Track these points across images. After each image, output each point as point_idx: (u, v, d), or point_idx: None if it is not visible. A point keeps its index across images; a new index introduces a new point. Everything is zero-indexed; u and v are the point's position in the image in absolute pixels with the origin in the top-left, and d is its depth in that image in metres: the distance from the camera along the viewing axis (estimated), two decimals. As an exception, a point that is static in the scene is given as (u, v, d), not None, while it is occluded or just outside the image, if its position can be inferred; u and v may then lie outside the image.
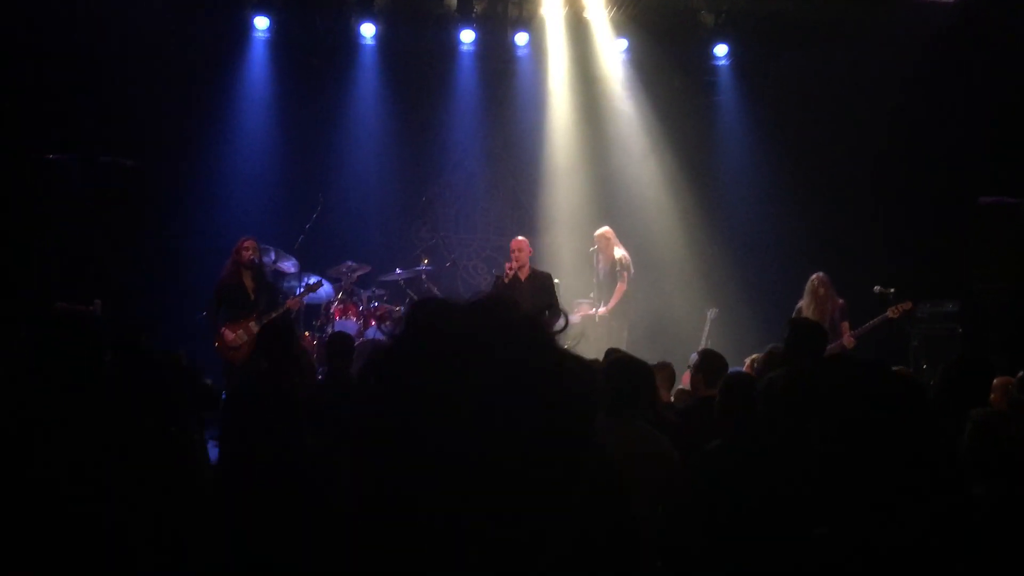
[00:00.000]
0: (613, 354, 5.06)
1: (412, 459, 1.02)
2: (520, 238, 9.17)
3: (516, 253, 8.90)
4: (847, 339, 8.39)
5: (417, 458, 1.02)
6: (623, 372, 4.15)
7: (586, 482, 1.09)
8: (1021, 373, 5.53)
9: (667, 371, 6.00)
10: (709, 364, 5.59)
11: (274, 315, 8.36)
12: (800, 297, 8.64)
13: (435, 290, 10.29)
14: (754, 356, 7.25)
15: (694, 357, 8.29)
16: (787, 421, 2.27)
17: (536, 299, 8.63)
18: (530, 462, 1.03)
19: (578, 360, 1.12)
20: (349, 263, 9.87)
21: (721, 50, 11.67)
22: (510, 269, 8.86)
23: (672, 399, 6.26)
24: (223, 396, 5.95)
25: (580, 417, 1.10)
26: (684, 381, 7.97)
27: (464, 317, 1.10)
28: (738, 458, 2.84)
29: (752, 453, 2.70)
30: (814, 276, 8.57)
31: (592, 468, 1.11)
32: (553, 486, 1.04)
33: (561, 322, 1.15)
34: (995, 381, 4.77)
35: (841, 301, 8.54)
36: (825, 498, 1.73)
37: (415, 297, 10.03)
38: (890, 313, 8.35)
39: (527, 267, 9.00)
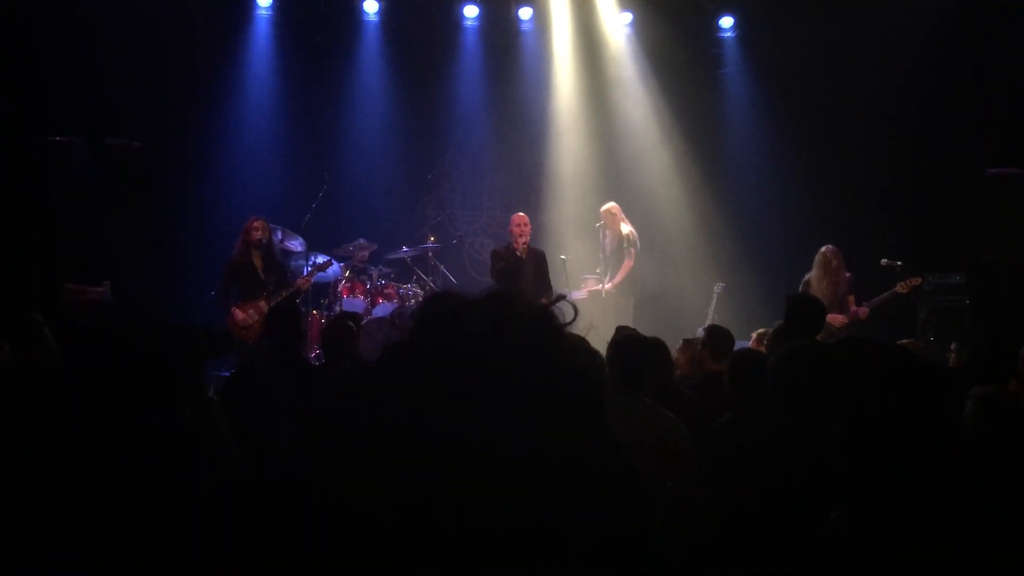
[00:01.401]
0: (623, 331, 5.09)
1: (426, 453, 1.04)
2: (522, 214, 9.17)
3: (524, 228, 8.90)
4: (862, 311, 8.37)
5: (430, 452, 1.04)
6: (631, 350, 4.18)
7: (599, 472, 1.11)
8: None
9: (692, 347, 6.03)
10: (716, 339, 5.62)
11: (284, 294, 8.41)
12: (807, 270, 8.63)
13: (442, 268, 10.31)
14: (760, 331, 7.27)
15: (702, 332, 8.33)
16: (798, 399, 2.29)
17: (536, 275, 8.70)
18: (543, 453, 1.05)
19: (587, 351, 1.14)
20: (356, 241, 9.90)
21: (727, 22, 11.60)
22: (523, 244, 8.86)
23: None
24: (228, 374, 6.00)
25: (591, 408, 1.12)
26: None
27: (476, 312, 1.12)
28: (748, 434, 2.88)
29: (763, 430, 2.73)
30: (825, 248, 8.52)
31: (604, 458, 1.13)
32: (566, 477, 1.06)
33: (571, 312, 1.17)
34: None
35: (848, 274, 8.53)
36: (840, 479, 1.75)
37: (423, 277, 10.07)
38: (899, 288, 8.35)
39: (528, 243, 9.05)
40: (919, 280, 8.38)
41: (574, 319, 1.14)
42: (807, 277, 8.54)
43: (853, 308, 8.41)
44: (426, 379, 1.07)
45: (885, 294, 8.41)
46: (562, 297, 1.18)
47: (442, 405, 1.04)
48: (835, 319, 8.11)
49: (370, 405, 1.11)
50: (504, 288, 1.15)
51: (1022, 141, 9.20)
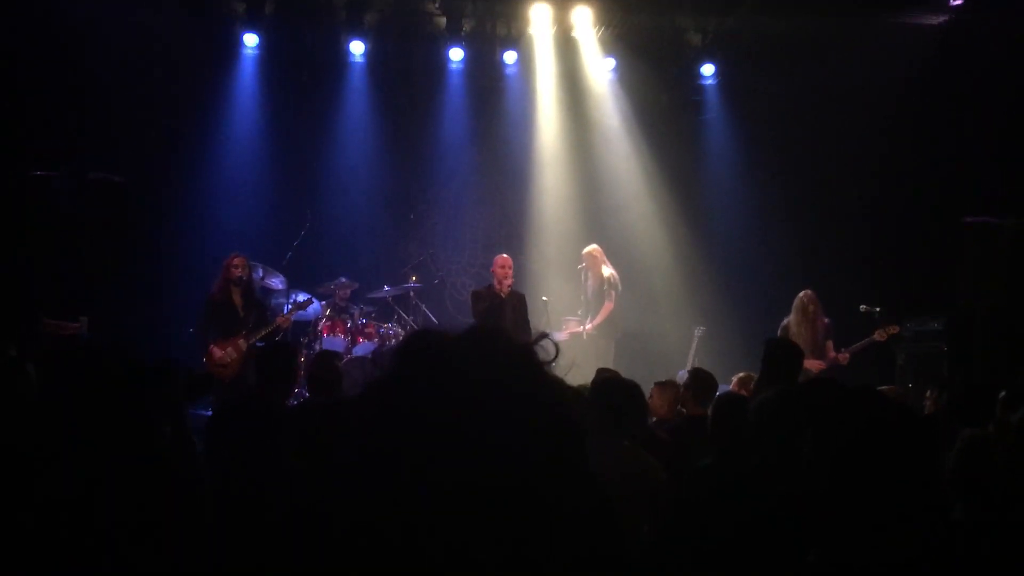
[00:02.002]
0: (603, 373, 5.09)
1: (408, 487, 1.04)
2: (506, 256, 9.21)
3: (507, 270, 8.95)
4: (842, 357, 8.43)
5: (413, 486, 1.03)
6: (610, 391, 4.18)
7: (577, 508, 1.10)
8: (1003, 393, 5.57)
9: (673, 389, 6.01)
10: (699, 383, 5.62)
11: (263, 332, 8.36)
12: (787, 315, 8.67)
13: (423, 308, 10.30)
14: (741, 374, 7.28)
15: (683, 375, 8.33)
16: (779, 443, 2.29)
17: (516, 317, 8.72)
18: (523, 489, 1.04)
19: (569, 389, 1.14)
20: (338, 280, 9.88)
21: (708, 70, 11.76)
22: (508, 286, 8.90)
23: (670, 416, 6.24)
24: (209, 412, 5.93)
25: (572, 443, 1.12)
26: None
27: (458, 348, 1.12)
28: (730, 477, 2.87)
29: (744, 473, 2.72)
30: (803, 293, 8.59)
31: (583, 494, 1.13)
32: (546, 512, 1.06)
33: (552, 350, 1.17)
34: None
35: (827, 320, 8.59)
36: (817, 522, 1.75)
37: (405, 316, 10.05)
38: (877, 336, 8.43)
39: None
40: (897, 329, 8.47)
41: (556, 357, 1.14)
42: (785, 322, 8.59)
43: (832, 354, 8.46)
44: (409, 412, 1.06)
45: (863, 341, 8.48)
46: (545, 336, 1.19)
47: (424, 438, 1.04)
48: (813, 364, 8.14)
49: (351, 439, 1.10)
50: (487, 325, 1.15)
51: (998, 190, 9.34)
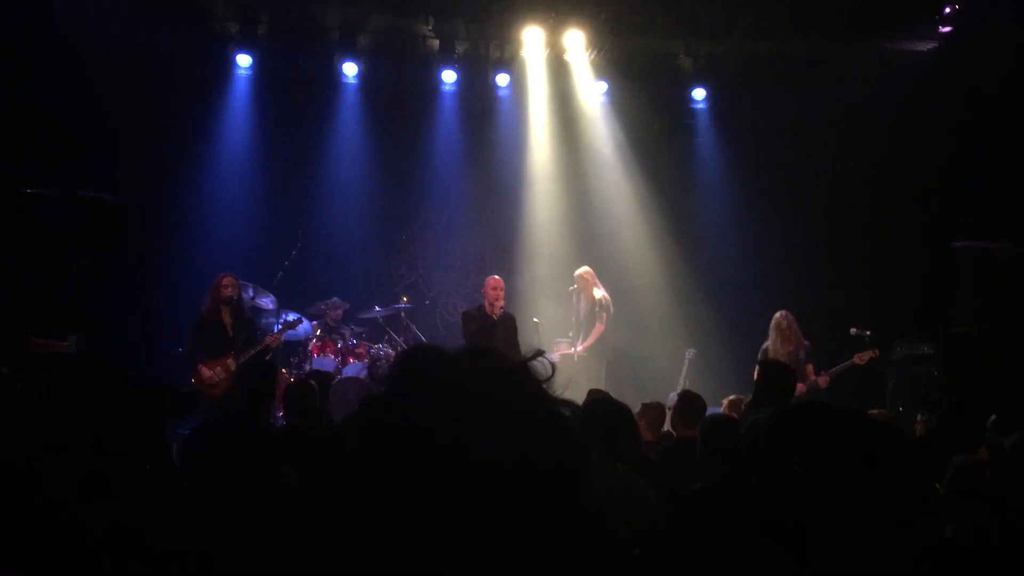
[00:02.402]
0: (595, 394, 5.07)
1: (403, 506, 1.02)
2: (498, 277, 9.21)
3: (499, 292, 8.95)
4: (821, 380, 8.46)
5: (409, 505, 1.02)
6: (601, 413, 4.16)
7: (578, 529, 1.09)
8: (994, 416, 5.59)
9: (657, 411, 5.99)
10: (687, 405, 5.61)
11: (252, 352, 8.32)
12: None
13: (414, 328, 10.29)
14: (732, 397, 7.29)
15: (673, 397, 8.32)
16: (771, 465, 2.29)
17: (507, 337, 8.71)
18: (523, 510, 1.03)
19: (568, 407, 1.13)
20: (328, 300, 9.86)
21: (699, 94, 11.85)
22: (500, 308, 8.91)
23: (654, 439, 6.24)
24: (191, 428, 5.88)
25: (572, 464, 1.11)
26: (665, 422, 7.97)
27: (455, 365, 1.11)
28: (722, 500, 2.86)
29: (736, 496, 2.71)
30: (779, 313, 8.67)
31: (584, 515, 1.12)
32: (545, 533, 1.05)
33: (549, 368, 1.17)
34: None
35: (807, 343, 8.62)
36: (811, 544, 1.74)
37: (395, 337, 10.02)
38: (856, 360, 8.47)
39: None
40: (876, 353, 8.50)
41: (552, 375, 1.13)
42: (765, 345, 8.62)
43: (812, 377, 8.48)
44: (406, 427, 1.05)
45: (843, 364, 8.50)
46: (541, 353, 1.18)
47: (422, 453, 1.03)
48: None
49: (348, 456, 1.09)
50: (482, 342, 1.15)
51: (987, 215, 9.40)
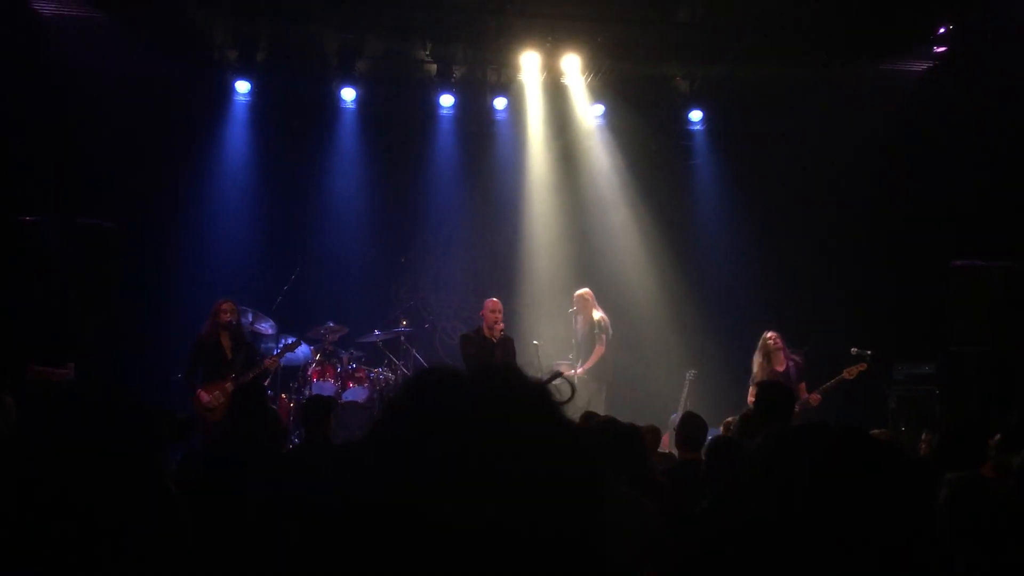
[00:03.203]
0: (593, 418, 5.05)
1: (417, 533, 1.01)
2: (496, 299, 9.21)
3: (498, 314, 8.95)
4: (813, 398, 8.47)
5: (423, 532, 1.01)
6: (605, 436, 4.14)
7: (597, 554, 1.08)
8: (998, 435, 5.56)
9: (652, 435, 5.98)
10: (690, 427, 5.59)
11: (251, 375, 8.30)
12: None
13: (414, 352, 10.26)
14: (730, 419, 7.28)
15: (675, 419, 8.30)
16: (770, 487, 2.28)
17: (506, 360, 8.70)
18: (541, 535, 1.02)
19: (586, 430, 1.12)
20: (327, 324, 9.84)
21: (696, 115, 11.90)
22: (500, 330, 8.91)
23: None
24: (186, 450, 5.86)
25: (591, 488, 1.10)
26: (664, 444, 7.95)
27: (471, 388, 1.10)
28: (726, 522, 2.84)
29: (740, 518, 2.69)
30: (767, 334, 8.71)
31: (602, 539, 1.11)
32: (563, 558, 1.04)
33: (567, 391, 1.16)
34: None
35: (797, 359, 8.64)
36: (814, 566, 1.72)
37: (395, 361, 9.99)
38: (846, 374, 8.47)
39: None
40: (864, 366, 8.51)
41: (571, 397, 1.12)
42: (754, 365, 8.69)
43: (804, 395, 8.47)
44: (417, 456, 1.04)
45: (833, 381, 8.50)
46: (559, 375, 1.17)
47: (432, 482, 1.02)
48: None
49: (359, 479, 1.07)
50: (502, 363, 1.13)
51: (986, 234, 9.41)
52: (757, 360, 8.74)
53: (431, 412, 1.07)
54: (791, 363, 8.60)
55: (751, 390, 8.75)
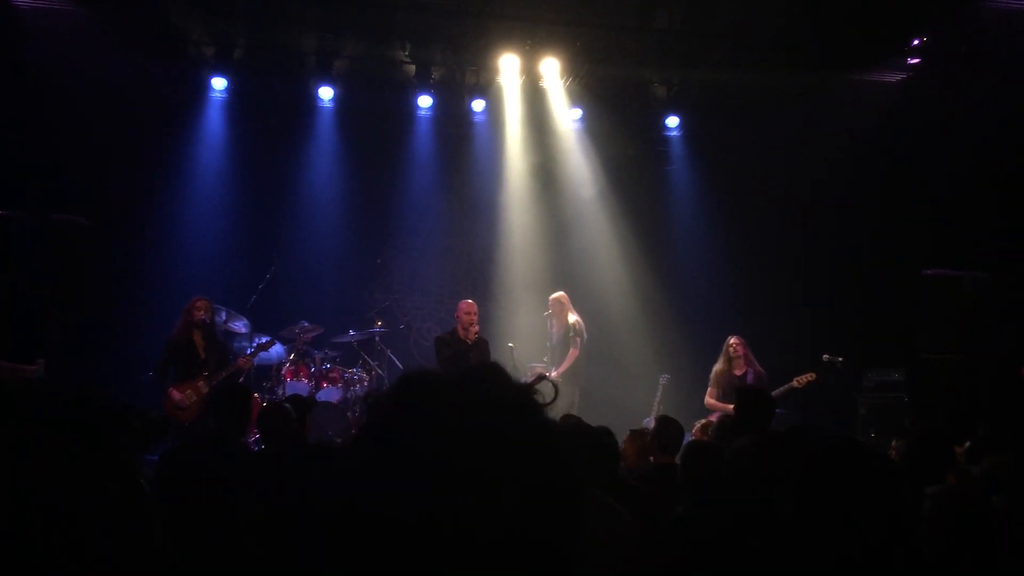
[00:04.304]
0: (569, 420, 5.06)
1: (402, 536, 1.01)
2: (471, 301, 9.21)
3: (473, 316, 8.97)
4: None
5: (408, 536, 1.01)
6: (576, 440, 4.15)
7: (574, 557, 1.09)
8: (968, 443, 5.64)
9: (644, 438, 5.99)
10: (665, 431, 5.62)
11: (224, 374, 8.24)
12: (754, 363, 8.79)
13: (388, 353, 10.24)
14: (703, 421, 7.33)
15: (648, 422, 8.34)
16: (755, 491, 2.30)
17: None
18: (522, 535, 1.03)
19: (568, 430, 1.13)
20: (301, 324, 9.79)
21: (673, 121, 11.97)
22: (475, 332, 8.93)
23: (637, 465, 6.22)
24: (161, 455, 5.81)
25: (571, 489, 1.11)
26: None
27: (454, 391, 1.10)
28: (705, 526, 2.86)
29: (719, 522, 2.72)
30: (731, 339, 8.81)
31: (578, 541, 1.12)
32: (546, 558, 1.04)
33: (551, 392, 1.17)
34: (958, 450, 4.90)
35: (761, 370, 8.72)
36: (795, 569, 1.74)
37: (370, 361, 9.95)
38: (795, 383, 8.54)
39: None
40: (814, 375, 8.58)
41: (555, 399, 1.13)
42: (715, 368, 8.81)
43: None
44: (401, 459, 1.04)
45: (783, 388, 8.57)
46: (543, 378, 1.18)
47: (417, 485, 1.02)
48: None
49: (345, 483, 1.07)
50: (486, 365, 1.14)
51: (956, 243, 9.54)
52: (718, 364, 8.86)
53: (416, 417, 1.07)
54: (751, 371, 8.70)
55: (708, 391, 8.86)
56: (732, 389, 8.56)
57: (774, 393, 8.58)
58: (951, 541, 2.96)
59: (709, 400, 8.86)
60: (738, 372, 8.73)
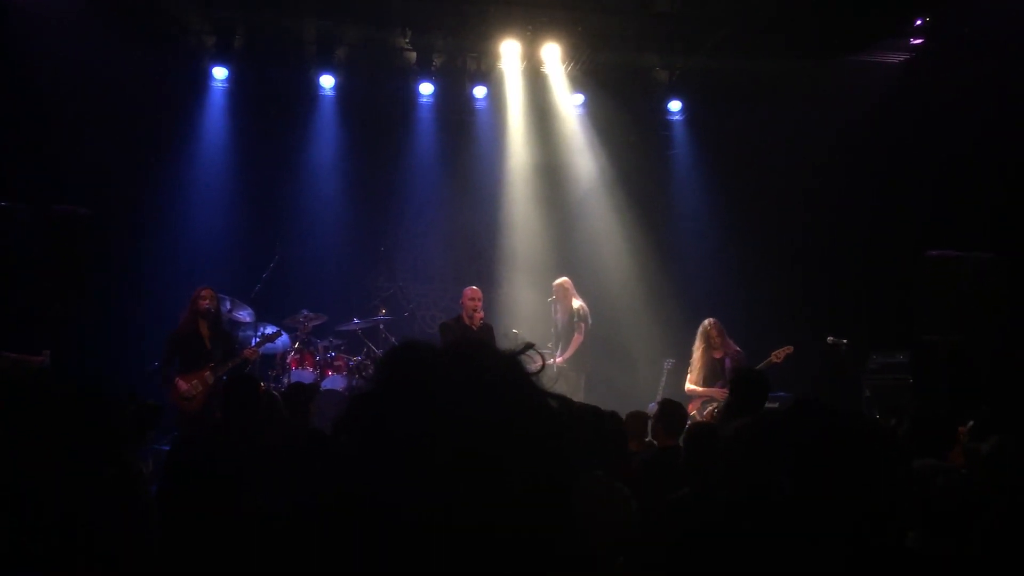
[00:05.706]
0: (571, 405, 5.07)
1: (396, 512, 1.02)
2: (475, 288, 9.22)
3: (477, 302, 8.97)
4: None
5: (401, 513, 1.02)
6: (586, 422, 4.17)
7: (570, 528, 1.10)
8: (971, 422, 5.65)
9: (641, 421, 6.01)
10: (669, 414, 5.63)
11: (230, 365, 8.25)
12: (756, 346, 8.78)
13: (393, 340, 10.25)
14: (712, 405, 7.33)
15: (653, 407, 8.34)
16: (756, 469, 2.31)
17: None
18: (514, 505, 1.03)
19: (557, 399, 1.14)
20: (305, 312, 9.81)
21: (675, 106, 11.95)
22: (479, 319, 8.93)
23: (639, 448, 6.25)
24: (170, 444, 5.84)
25: (563, 456, 1.11)
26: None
27: (443, 362, 1.11)
28: (707, 507, 2.87)
29: (721, 502, 2.73)
30: (706, 321, 8.83)
31: (569, 516, 1.12)
32: (538, 532, 1.05)
33: (539, 362, 1.18)
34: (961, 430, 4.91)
35: (739, 349, 8.73)
36: (797, 547, 1.76)
37: (375, 349, 9.97)
38: (774, 358, 8.55)
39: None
40: (791, 349, 8.57)
41: (543, 368, 1.14)
42: (693, 351, 8.82)
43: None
44: (392, 433, 1.05)
45: (762, 363, 8.56)
46: (531, 346, 1.19)
47: (408, 459, 1.03)
48: (716, 392, 8.34)
49: (337, 461, 1.09)
50: (475, 338, 1.15)
51: (958, 224, 9.51)
52: (696, 350, 8.84)
53: (402, 392, 1.08)
54: (728, 352, 8.70)
55: (688, 377, 8.84)
56: (712, 373, 8.60)
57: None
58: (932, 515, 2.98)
59: (689, 386, 8.83)
60: (717, 355, 8.73)
